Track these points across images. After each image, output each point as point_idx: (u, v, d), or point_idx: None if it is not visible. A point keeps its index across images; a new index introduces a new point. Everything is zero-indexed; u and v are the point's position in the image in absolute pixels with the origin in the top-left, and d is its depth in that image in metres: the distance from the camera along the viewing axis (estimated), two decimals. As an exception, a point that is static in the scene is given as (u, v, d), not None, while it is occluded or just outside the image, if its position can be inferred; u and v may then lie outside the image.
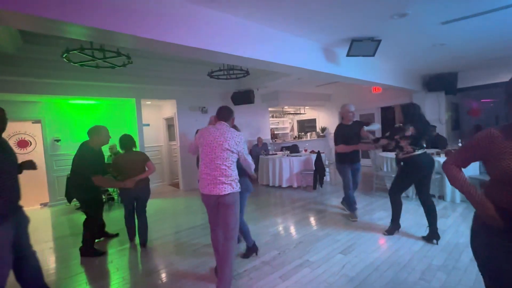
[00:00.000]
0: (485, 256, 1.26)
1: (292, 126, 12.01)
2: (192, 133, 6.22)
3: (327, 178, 6.21)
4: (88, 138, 3.18)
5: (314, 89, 8.63)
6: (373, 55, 3.88)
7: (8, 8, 1.69)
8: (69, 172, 3.27)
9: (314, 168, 5.79)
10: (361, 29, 3.43)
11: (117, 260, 3.08)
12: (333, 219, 3.98)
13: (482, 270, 1.29)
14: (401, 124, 3.05)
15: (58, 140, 6.03)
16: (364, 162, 4.08)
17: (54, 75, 4.73)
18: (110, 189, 5.82)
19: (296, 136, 11.00)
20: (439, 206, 4.19)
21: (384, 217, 3.84)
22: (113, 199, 6.03)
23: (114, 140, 4.15)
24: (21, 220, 1.92)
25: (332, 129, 7.47)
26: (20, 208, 1.93)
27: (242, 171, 2.56)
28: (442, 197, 4.51)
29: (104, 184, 3.44)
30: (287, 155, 6.50)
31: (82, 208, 3.27)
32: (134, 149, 3.41)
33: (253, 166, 2.45)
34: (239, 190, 2.34)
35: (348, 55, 3.86)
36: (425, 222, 3.10)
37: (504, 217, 1.15)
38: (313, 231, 3.54)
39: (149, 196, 3.44)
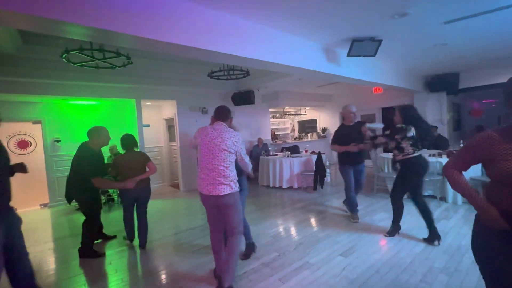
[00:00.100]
0: (486, 258, 1.26)
1: (293, 126, 11.99)
2: (193, 133, 6.20)
3: (327, 179, 6.18)
4: (87, 139, 3.16)
5: (314, 90, 8.61)
6: (374, 55, 3.86)
7: (8, 8, 1.68)
8: (69, 173, 3.26)
9: (314, 169, 5.76)
10: (361, 29, 3.41)
11: (116, 262, 3.06)
12: (333, 220, 3.96)
13: (483, 272, 1.29)
14: (403, 125, 3.03)
15: (58, 141, 6.03)
16: (365, 163, 4.04)
17: (54, 75, 4.73)
18: (110, 190, 5.81)
19: (296, 137, 10.99)
20: (441, 208, 4.16)
21: (385, 218, 3.81)
22: (113, 200, 6.02)
23: (114, 141, 4.14)
24: (13, 221, 1.91)
25: (332, 129, 7.44)
26: (11, 209, 1.93)
27: (240, 171, 2.55)
28: (443, 199, 4.48)
29: (103, 186, 3.42)
30: (288, 156, 6.48)
31: (81, 209, 3.25)
32: (135, 149, 3.39)
33: (250, 166, 2.44)
34: (238, 189, 2.33)
35: (348, 55, 3.83)
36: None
37: (505, 219, 1.15)
38: (313, 233, 3.52)
39: (150, 196, 3.42)
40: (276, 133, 10.86)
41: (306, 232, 3.56)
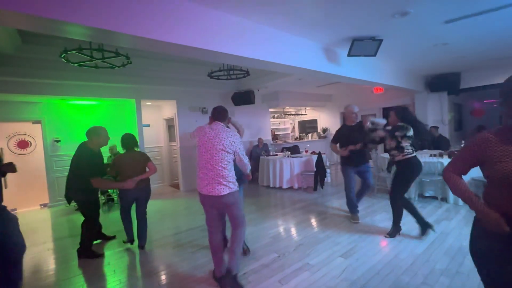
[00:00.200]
0: (485, 260, 1.25)
1: (293, 126, 11.97)
2: (192, 133, 6.19)
3: (328, 179, 6.16)
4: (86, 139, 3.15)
5: (315, 90, 8.59)
6: (375, 55, 3.84)
7: (8, 8, 1.67)
8: (68, 173, 3.25)
9: (315, 169, 5.74)
10: (362, 29, 3.39)
11: (115, 262, 3.05)
12: (334, 221, 3.94)
13: (481, 274, 1.29)
14: (404, 124, 3.01)
15: (58, 141, 6.02)
16: (369, 163, 4.04)
17: (53, 75, 4.72)
18: (110, 190, 5.80)
19: (297, 137, 10.97)
20: (442, 209, 4.14)
21: (385, 219, 3.78)
22: (112, 200, 6.01)
23: (114, 141, 4.13)
24: (7, 221, 1.90)
25: (333, 129, 7.43)
26: (4, 208, 1.92)
27: (236, 168, 2.54)
28: (445, 199, 4.45)
29: (103, 186, 3.40)
30: (288, 156, 6.46)
31: (80, 209, 3.24)
32: (135, 149, 3.37)
33: (248, 167, 2.42)
34: (238, 188, 2.32)
35: (349, 55, 3.82)
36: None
37: (505, 221, 1.14)
38: (313, 233, 3.50)
39: (150, 196, 3.40)
40: (276, 133, 10.84)
41: (306, 233, 3.54)
